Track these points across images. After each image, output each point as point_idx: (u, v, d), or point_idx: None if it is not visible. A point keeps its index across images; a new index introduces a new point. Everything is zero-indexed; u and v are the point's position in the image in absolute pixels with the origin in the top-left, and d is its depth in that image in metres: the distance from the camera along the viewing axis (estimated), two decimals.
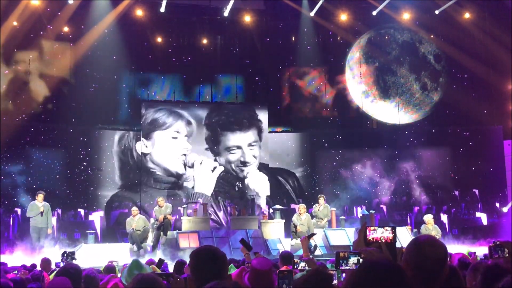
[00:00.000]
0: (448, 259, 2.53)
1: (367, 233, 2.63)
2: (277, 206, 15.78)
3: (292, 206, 17.96)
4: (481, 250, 10.70)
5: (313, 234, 10.40)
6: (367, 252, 2.57)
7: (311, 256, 10.13)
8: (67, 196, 17.13)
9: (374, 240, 2.62)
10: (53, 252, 12.62)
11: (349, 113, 20.64)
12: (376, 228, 2.65)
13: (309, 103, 20.51)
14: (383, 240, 2.61)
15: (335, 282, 4.38)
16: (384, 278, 2.02)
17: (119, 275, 6.48)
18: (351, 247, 14.09)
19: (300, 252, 11.53)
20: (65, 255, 8.94)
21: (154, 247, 13.85)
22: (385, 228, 2.65)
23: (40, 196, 13.58)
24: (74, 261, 8.82)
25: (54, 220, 14.75)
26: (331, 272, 4.54)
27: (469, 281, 3.38)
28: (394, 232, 2.65)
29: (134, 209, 14.30)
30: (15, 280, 4.05)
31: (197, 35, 19.45)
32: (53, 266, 8.57)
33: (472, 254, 7.80)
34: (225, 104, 19.49)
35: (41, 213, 13.26)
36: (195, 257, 2.83)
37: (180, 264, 7.61)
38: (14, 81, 17.38)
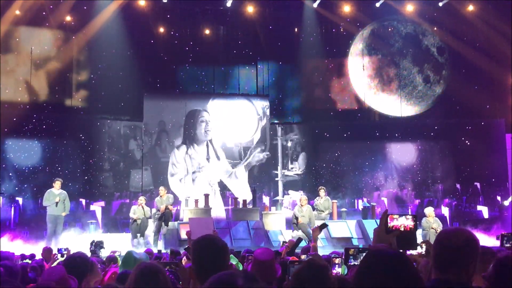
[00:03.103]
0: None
1: (388, 221, 2.64)
2: (278, 198, 15.79)
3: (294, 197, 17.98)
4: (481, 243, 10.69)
5: (325, 225, 10.00)
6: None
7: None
8: (68, 186, 17.11)
9: (394, 228, 2.63)
10: (57, 242, 12.67)
11: (351, 105, 20.57)
12: (397, 216, 2.66)
13: (311, 95, 20.43)
14: (403, 229, 2.63)
15: (339, 270, 4.38)
16: (390, 266, 2.04)
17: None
18: (352, 240, 14.15)
19: (302, 244, 11.52)
20: (93, 243, 8.84)
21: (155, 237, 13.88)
22: (406, 216, 2.67)
23: (57, 184, 13.52)
24: (102, 250, 8.75)
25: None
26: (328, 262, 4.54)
27: None
28: (415, 220, 2.68)
29: (141, 199, 14.31)
30: (7, 265, 3.96)
31: (200, 26, 19.37)
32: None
33: None
34: (227, 95, 19.48)
35: (56, 203, 13.23)
36: (196, 246, 2.82)
37: (173, 252, 7.67)
38: (16, 70, 17.34)
